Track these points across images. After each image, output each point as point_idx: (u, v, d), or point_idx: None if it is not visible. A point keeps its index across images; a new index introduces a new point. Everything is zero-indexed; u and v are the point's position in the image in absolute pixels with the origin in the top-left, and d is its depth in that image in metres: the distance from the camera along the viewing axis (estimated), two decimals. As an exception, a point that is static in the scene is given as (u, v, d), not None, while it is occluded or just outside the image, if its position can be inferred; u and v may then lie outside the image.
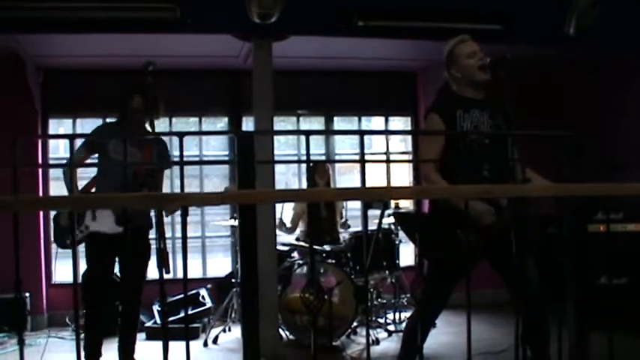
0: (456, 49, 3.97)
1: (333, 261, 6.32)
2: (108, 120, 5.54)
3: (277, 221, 6.61)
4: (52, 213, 5.30)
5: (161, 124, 7.77)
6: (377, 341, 6.09)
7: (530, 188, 2.62)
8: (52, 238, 5.03)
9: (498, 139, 3.76)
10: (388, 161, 8.94)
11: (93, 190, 5.05)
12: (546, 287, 3.49)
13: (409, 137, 8.65)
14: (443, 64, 4.04)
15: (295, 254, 6.87)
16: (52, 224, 5.16)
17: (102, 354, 4.94)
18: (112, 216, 4.82)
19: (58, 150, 8.43)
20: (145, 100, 4.82)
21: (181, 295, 6.60)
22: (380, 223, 5.88)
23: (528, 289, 3.60)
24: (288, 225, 7.13)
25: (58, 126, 7.80)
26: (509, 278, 3.70)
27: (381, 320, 6.67)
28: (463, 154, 3.75)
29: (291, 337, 6.17)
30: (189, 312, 6.81)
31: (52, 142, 7.95)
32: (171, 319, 6.45)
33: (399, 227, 6.51)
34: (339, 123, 8.70)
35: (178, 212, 2.83)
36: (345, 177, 8.89)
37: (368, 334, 3.10)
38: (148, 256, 5.11)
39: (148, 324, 6.77)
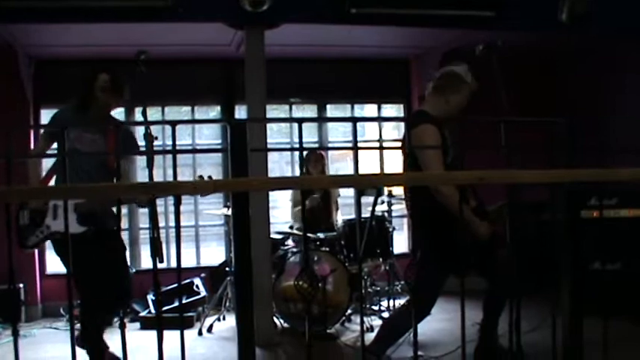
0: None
1: (327, 249, 6.32)
2: (67, 105, 4.85)
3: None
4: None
5: (154, 114, 7.76)
6: (371, 328, 6.09)
7: (524, 174, 2.61)
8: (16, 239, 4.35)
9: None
10: (381, 148, 8.95)
11: (52, 182, 4.68)
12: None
13: (402, 124, 8.64)
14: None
15: (289, 242, 6.87)
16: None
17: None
18: (73, 215, 4.30)
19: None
20: (112, 79, 4.56)
21: (175, 285, 6.60)
22: (373, 210, 5.88)
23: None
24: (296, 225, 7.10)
25: (50, 116, 7.74)
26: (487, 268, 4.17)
27: (375, 307, 6.68)
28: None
29: (285, 325, 6.18)
30: (184, 301, 6.81)
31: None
32: (165, 308, 6.46)
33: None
34: (331, 111, 8.68)
35: (172, 201, 2.81)
36: (339, 164, 8.87)
37: (362, 322, 3.11)
38: (119, 259, 4.55)
39: (143, 313, 6.78)
